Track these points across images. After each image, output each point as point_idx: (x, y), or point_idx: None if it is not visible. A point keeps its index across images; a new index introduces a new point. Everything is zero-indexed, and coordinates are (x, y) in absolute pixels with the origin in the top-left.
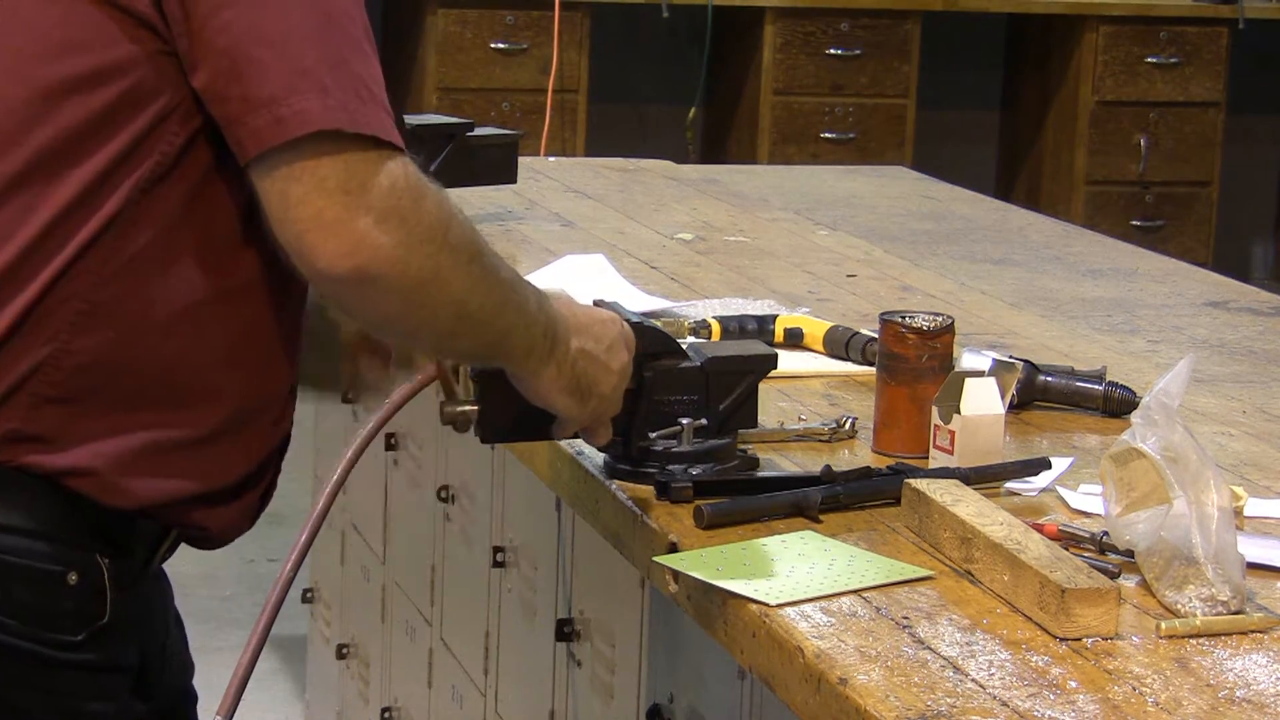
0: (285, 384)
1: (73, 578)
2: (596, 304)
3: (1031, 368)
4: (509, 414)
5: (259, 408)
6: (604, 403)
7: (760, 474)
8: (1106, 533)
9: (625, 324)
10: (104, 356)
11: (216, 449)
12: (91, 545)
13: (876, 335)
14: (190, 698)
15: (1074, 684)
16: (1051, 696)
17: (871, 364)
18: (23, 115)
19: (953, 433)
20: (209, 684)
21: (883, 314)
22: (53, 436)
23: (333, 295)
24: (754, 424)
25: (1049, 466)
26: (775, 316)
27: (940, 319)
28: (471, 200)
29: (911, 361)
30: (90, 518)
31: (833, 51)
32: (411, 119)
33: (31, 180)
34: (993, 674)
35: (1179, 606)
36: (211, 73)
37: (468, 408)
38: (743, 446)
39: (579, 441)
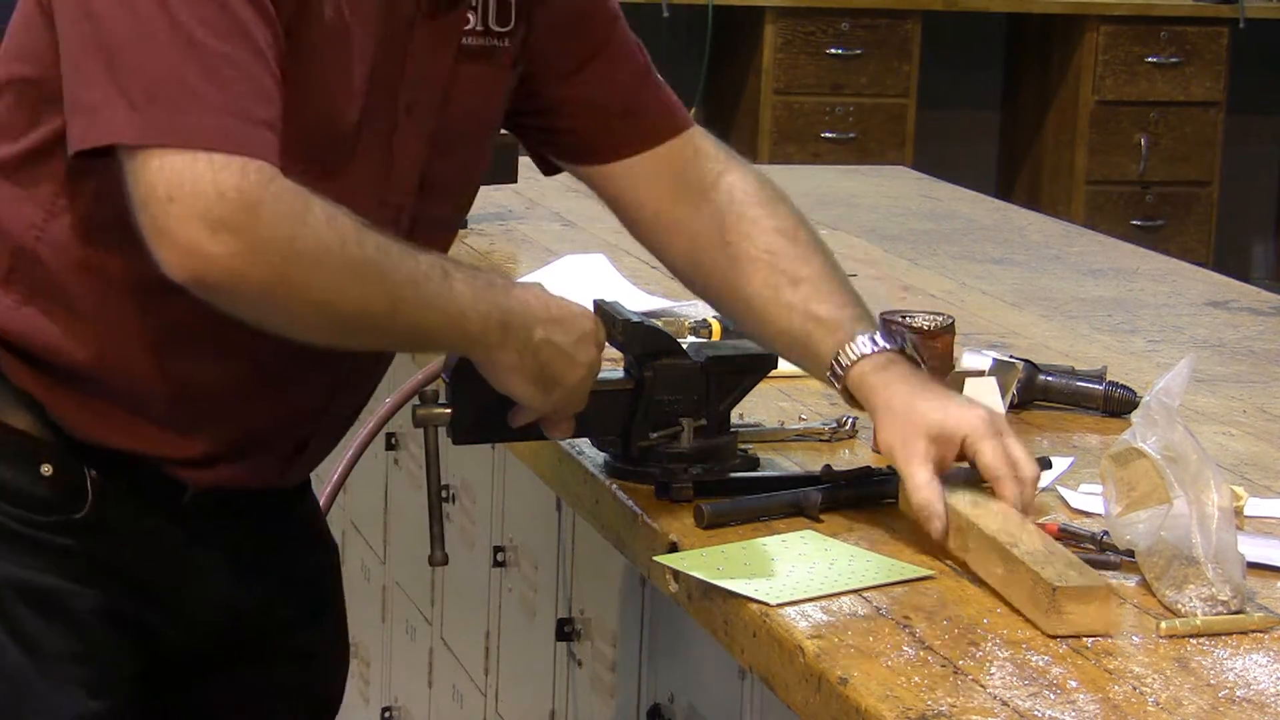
0: (238, 372)
1: (46, 469)
2: (596, 304)
3: (1032, 367)
4: (479, 414)
5: (214, 394)
6: (569, 395)
7: (760, 474)
8: (1107, 532)
9: (599, 321)
10: (63, 341)
11: (174, 427)
12: (80, 457)
13: None
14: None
15: (1074, 684)
16: (1052, 696)
17: None
18: None
19: None
20: None
21: (883, 313)
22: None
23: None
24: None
25: (1049, 466)
26: None
27: (940, 319)
28: None
29: None
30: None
31: (833, 51)
32: None
33: None
34: (993, 674)
35: (1179, 606)
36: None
37: (438, 409)
38: (743, 446)
39: (581, 441)
